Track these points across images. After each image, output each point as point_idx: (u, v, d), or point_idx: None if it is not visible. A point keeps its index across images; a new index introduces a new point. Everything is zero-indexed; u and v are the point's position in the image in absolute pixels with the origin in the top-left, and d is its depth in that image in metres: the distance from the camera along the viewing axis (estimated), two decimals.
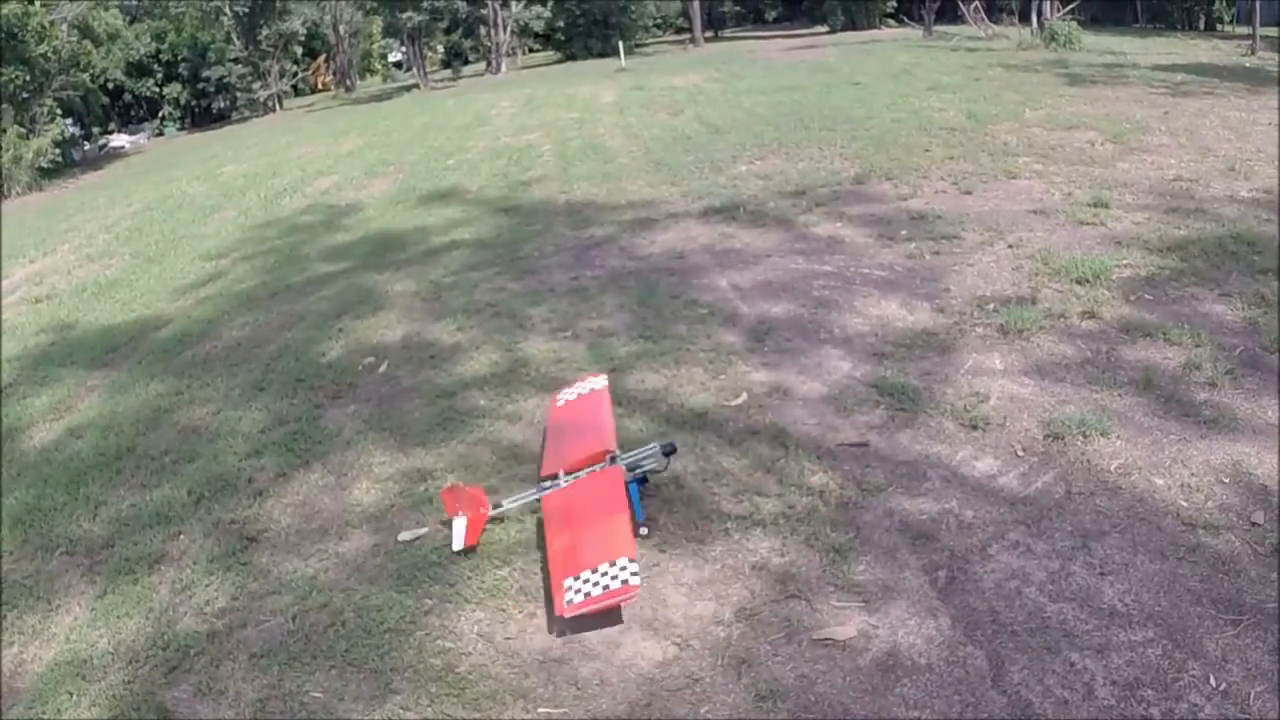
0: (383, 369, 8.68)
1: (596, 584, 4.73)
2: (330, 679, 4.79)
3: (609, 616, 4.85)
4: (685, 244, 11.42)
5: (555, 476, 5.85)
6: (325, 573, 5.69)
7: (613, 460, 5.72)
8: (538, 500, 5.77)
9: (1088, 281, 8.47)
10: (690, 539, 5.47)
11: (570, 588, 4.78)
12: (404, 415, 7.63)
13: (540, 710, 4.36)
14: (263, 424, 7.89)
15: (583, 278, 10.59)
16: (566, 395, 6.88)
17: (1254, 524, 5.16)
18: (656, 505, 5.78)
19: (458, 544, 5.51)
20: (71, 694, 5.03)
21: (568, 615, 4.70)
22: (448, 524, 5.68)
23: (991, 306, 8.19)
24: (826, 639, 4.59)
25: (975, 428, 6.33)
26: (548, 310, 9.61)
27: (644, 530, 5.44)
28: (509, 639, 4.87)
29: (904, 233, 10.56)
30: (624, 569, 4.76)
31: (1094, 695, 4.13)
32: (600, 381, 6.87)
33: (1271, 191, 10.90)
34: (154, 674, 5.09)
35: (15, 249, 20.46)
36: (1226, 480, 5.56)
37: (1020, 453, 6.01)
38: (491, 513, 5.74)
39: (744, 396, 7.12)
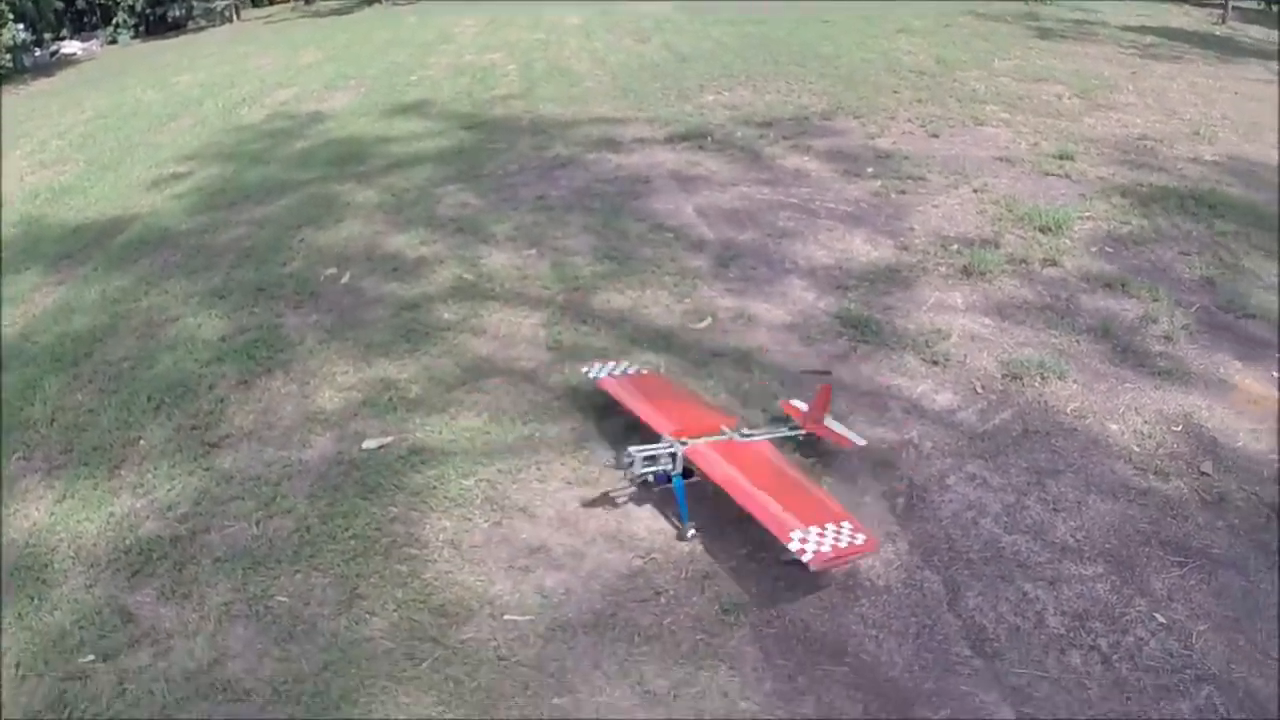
0: (345, 280, 8.61)
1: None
2: (296, 584, 4.82)
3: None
4: (651, 169, 11.37)
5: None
6: (289, 479, 5.69)
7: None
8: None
9: (1050, 230, 8.57)
10: None
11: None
12: (367, 326, 7.59)
13: (506, 617, 4.44)
14: (223, 331, 7.81)
15: (548, 197, 10.52)
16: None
17: (1202, 473, 5.34)
18: (619, 426, 5.85)
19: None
20: (32, 598, 5.00)
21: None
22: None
23: (955, 247, 8.28)
24: (789, 559, 4.69)
25: (936, 363, 6.45)
26: (512, 227, 9.56)
27: (692, 532, 4.97)
28: (475, 547, 4.93)
29: (870, 170, 10.60)
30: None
31: (1045, 624, 4.29)
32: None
33: (1234, 157, 11.05)
34: (116, 578, 5.08)
35: None
36: (1178, 429, 5.73)
37: (979, 390, 6.14)
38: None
39: (709, 320, 7.19)
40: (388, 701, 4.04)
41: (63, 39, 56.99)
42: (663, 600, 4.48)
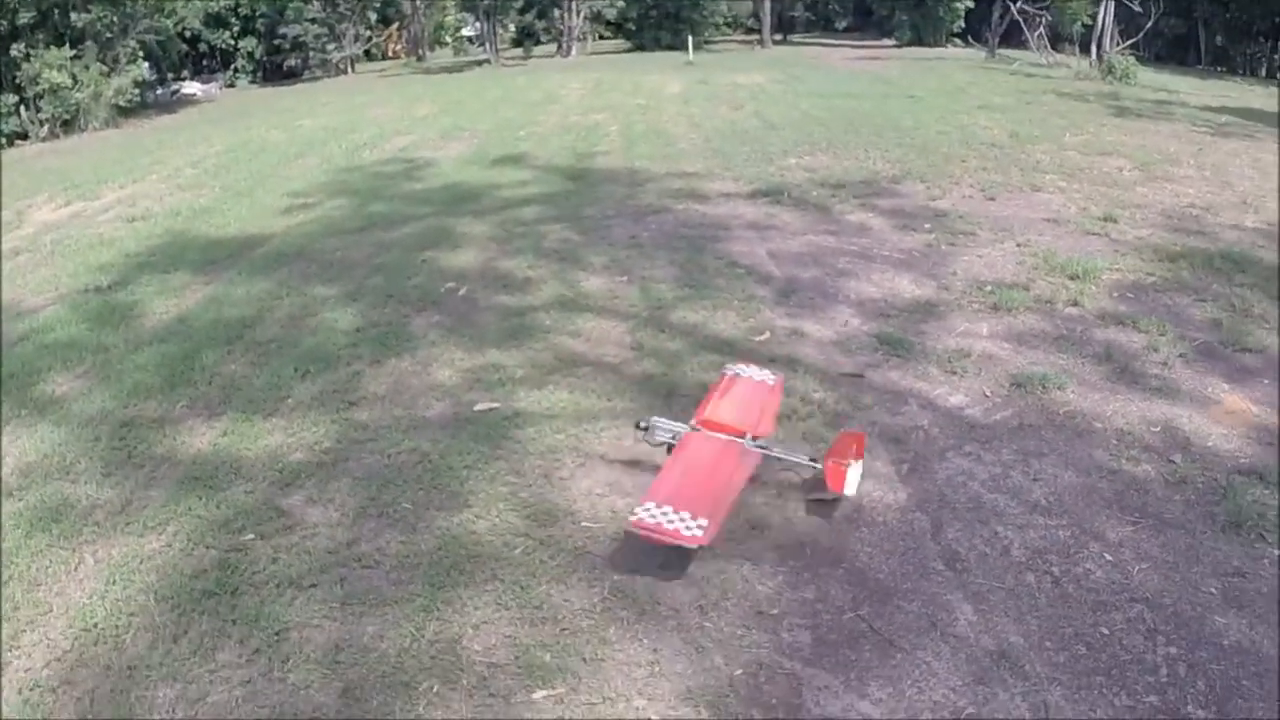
0: (462, 292, 10.06)
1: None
2: (418, 496, 6.14)
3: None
4: (732, 219, 12.73)
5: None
6: (415, 428, 7.04)
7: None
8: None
9: (1079, 278, 9.64)
10: None
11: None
12: (480, 326, 9.00)
13: (583, 524, 5.71)
14: (357, 325, 9.26)
15: (639, 237, 11.93)
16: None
17: (1170, 461, 6.37)
18: (686, 404, 7.07)
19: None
20: (200, 497, 6.33)
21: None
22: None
23: (989, 289, 9.43)
24: (814, 498, 5.90)
25: (954, 373, 7.61)
26: (607, 259, 10.97)
27: None
28: (562, 479, 6.22)
29: (926, 226, 11.81)
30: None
31: (1009, 553, 5.41)
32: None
33: (1275, 224, 11.96)
34: (271, 489, 6.41)
35: (103, 175, 21.94)
36: (1156, 430, 6.75)
37: (987, 394, 7.29)
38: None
39: (767, 334, 8.43)
40: (485, 570, 5.33)
41: (183, 80, 60.57)
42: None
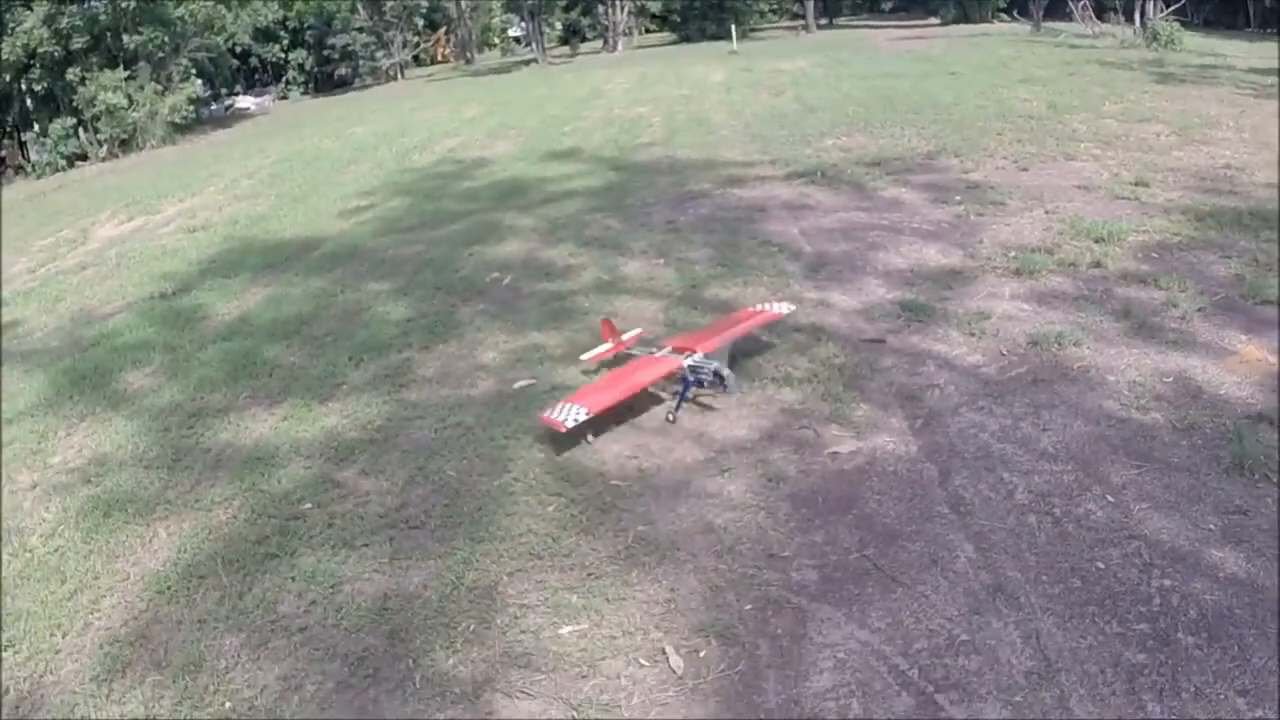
0: (507, 281, 10.56)
1: (560, 413, 6.43)
2: (461, 465, 6.61)
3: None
4: (768, 200, 13.08)
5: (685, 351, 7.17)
6: (460, 407, 7.51)
7: (688, 356, 7.05)
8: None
9: (1104, 241, 9.82)
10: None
11: (558, 407, 6.52)
12: (523, 311, 9.48)
13: (613, 482, 6.13)
14: (408, 315, 9.78)
15: (677, 221, 12.34)
16: (757, 308, 8.15)
17: (1180, 409, 6.51)
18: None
19: (586, 356, 7.66)
20: (261, 473, 6.88)
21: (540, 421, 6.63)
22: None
23: (1013, 254, 9.66)
24: (830, 452, 6.26)
25: (973, 335, 7.89)
26: (646, 244, 11.40)
27: (670, 418, 6.87)
28: (595, 444, 6.63)
29: (957, 198, 12.06)
30: (574, 412, 6.40)
31: (1013, 498, 5.70)
32: (783, 308, 8.13)
33: None
34: (326, 463, 6.93)
35: (162, 190, 22.88)
36: (1169, 381, 6.94)
37: (1003, 353, 7.57)
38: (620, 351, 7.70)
39: (795, 306, 8.75)
40: (521, 526, 5.78)
41: (236, 94, 61.98)
42: (725, 475, 6.11)
